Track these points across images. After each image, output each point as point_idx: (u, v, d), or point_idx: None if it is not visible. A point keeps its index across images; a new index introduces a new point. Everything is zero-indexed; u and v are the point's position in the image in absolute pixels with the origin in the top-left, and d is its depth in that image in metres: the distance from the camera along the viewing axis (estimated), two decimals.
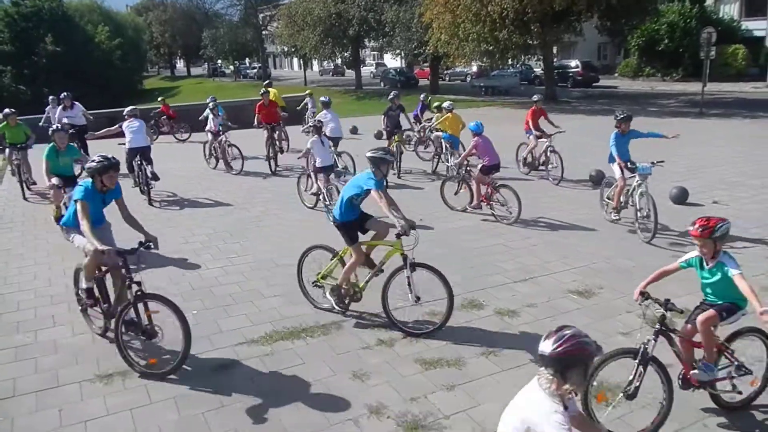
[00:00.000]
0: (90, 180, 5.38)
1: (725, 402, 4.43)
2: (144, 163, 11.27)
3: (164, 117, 20.85)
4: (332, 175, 10.32)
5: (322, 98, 13.88)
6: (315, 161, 10.17)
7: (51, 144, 8.95)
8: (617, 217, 8.98)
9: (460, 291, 6.60)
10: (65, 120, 13.91)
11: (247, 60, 76.59)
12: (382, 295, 5.77)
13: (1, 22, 53.75)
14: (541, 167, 12.76)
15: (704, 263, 4.18)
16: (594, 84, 40.46)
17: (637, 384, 4.06)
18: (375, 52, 59.08)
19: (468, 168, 10.22)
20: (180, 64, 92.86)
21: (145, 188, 11.35)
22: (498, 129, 20.32)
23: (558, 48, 37.21)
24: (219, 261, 7.92)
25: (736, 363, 4.32)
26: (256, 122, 14.68)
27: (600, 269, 7.27)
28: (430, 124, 14.64)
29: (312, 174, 10.42)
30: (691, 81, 36.76)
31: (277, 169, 13.98)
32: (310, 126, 10.80)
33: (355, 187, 5.94)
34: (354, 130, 21.31)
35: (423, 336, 5.63)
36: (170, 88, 68.89)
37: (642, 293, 4.19)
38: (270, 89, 19.22)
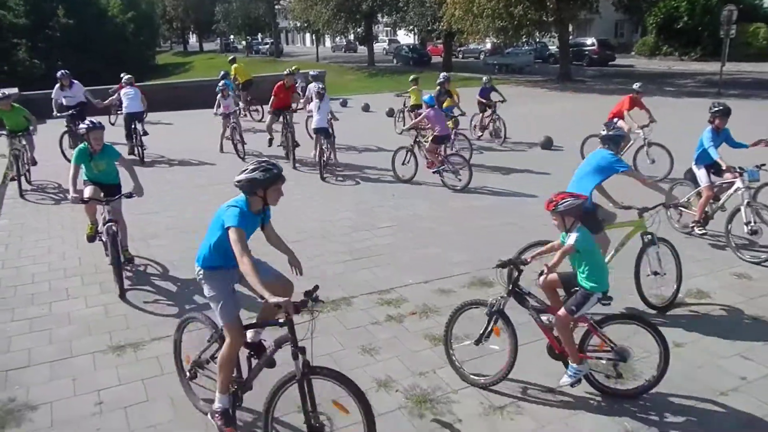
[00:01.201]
0: (243, 198, 3.91)
1: (607, 388, 4.33)
2: (137, 124, 12.76)
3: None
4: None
5: (312, 72, 15.25)
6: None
7: (82, 145, 6.68)
8: (703, 231, 7.56)
9: (470, 269, 6.62)
10: (63, 101, 12.51)
11: (259, 35, 76.16)
12: (635, 276, 5.69)
13: None
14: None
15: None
16: (610, 63, 39.88)
17: (482, 332, 4.41)
18: (388, 28, 58.50)
19: (418, 140, 10.80)
20: (192, 40, 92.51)
21: (140, 149, 12.70)
22: (520, 108, 20.20)
23: (574, 25, 36.63)
24: None
25: (614, 347, 4.20)
26: (269, 107, 13.22)
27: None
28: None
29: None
30: (709, 60, 36.14)
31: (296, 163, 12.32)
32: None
33: (599, 172, 5.50)
34: (366, 108, 21.19)
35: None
36: (183, 63, 68.74)
37: (513, 260, 4.33)
38: (234, 65, 19.14)
